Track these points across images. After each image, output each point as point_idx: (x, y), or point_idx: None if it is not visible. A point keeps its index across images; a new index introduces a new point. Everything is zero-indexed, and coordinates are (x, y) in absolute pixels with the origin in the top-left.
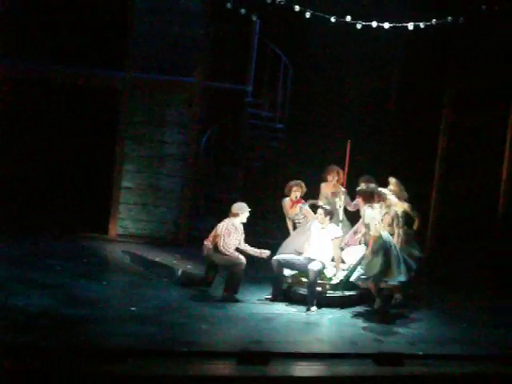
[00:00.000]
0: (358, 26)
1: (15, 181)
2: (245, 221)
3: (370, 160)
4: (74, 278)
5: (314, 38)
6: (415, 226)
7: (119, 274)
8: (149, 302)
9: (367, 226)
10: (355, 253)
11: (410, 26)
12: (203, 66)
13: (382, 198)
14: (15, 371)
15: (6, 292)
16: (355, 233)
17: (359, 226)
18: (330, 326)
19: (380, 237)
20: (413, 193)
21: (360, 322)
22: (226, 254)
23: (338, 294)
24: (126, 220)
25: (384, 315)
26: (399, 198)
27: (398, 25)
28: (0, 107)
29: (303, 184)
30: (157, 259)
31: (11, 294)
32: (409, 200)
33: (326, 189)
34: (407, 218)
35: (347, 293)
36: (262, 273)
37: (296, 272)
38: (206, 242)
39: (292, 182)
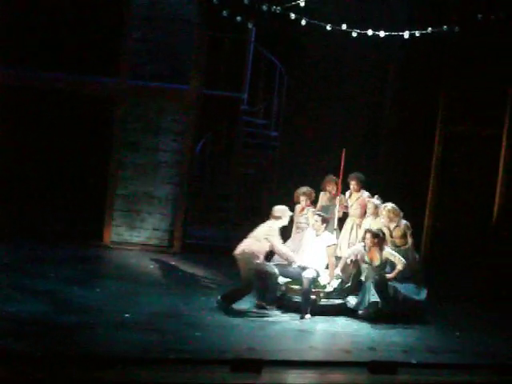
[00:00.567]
0: (354, 34)
1: (9, 188)
2: (286, 224)
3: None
4: (68, 284)
5: (309, 46)
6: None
7: (113, 281)
8: (142, 308)
9: (390, 264)
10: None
11: (406, 34)
12: (198, 74)
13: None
14: (6, 378)
15: None
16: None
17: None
18: (323, 334)
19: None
20: (407, 203)
21: (354, 331)
22: (283, 256)
23: (332, 302)
24: (120, 227)
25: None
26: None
27: (393, 33)
28: None
29: (310, 190)
30: (151, 266)
31: (3, 301)
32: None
33: (323, 198)
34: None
35: (341, 301)
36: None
37: (289, 280)
38: (244, 250)
39: (299, 191)
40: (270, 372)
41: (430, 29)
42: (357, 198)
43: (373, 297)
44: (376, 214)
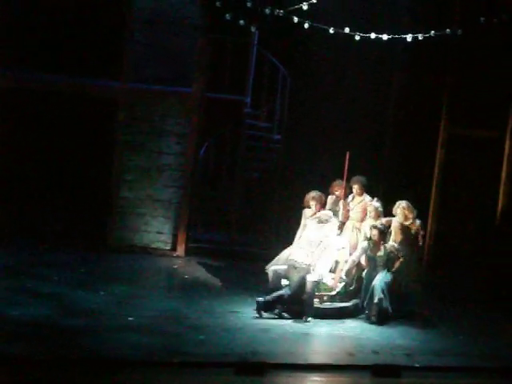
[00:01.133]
0: (357, 38)
1: (12, 191)
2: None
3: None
4: (71, 287)
5: (312, 49)
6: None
7: (117, 284)
8: (146, 312)
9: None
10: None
11: (409, 37)
12: (201, 77)
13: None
14: (10, 382)
15: (1, 302)
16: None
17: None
18: (327, 337)
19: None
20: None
21: (357, 334)
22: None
23: (336, 305)
24: (123, 230)
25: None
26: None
27: (396, 36)
28: None
29: (320, 194)
30: (154, 270)
31: (7, 304)
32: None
33: (331, 202)
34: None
35: (345, 304)
36: (258, 283)
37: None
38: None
39: (308, 195)
40: (274, 375)
41: (432, 32)
42: (359, 202)
43: (380, 300)
44: (377, 216)
